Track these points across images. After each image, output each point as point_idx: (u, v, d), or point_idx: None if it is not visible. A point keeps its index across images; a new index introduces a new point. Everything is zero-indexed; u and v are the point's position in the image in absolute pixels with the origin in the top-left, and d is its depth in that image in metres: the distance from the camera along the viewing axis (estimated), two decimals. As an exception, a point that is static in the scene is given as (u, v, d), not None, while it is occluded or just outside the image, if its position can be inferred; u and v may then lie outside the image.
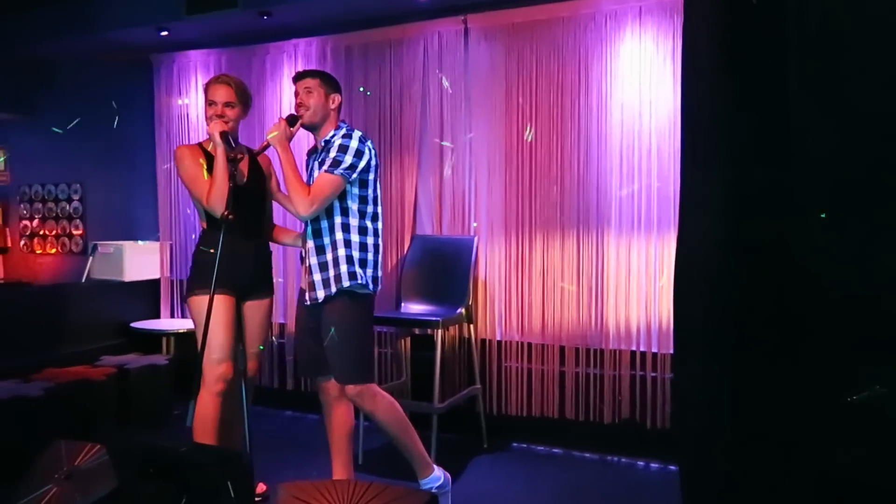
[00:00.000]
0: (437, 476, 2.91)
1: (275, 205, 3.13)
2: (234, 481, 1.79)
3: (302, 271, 2.87)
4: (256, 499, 2.98)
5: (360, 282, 2.72)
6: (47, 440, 2.31)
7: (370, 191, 2.78)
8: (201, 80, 4.70)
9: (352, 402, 2.84)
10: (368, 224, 2.78)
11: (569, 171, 3.77)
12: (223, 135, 2.77)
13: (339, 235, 2.72)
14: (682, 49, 2.26)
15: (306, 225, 2.79)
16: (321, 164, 2.72)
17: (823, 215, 1.64)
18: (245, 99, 2.94)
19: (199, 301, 2.76)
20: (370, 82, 4.22)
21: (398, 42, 4.14)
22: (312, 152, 2.90)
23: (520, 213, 3.88)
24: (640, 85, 3.61)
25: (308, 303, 2.77)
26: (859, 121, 1.64)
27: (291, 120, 2.76)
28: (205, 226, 2.93)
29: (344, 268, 2.70)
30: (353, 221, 2.74)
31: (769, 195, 1.81)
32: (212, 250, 2.65)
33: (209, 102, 2.88)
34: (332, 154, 2.68)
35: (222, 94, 2.86)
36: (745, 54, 1.92)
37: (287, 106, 4.44)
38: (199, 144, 2.95)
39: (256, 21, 4.18)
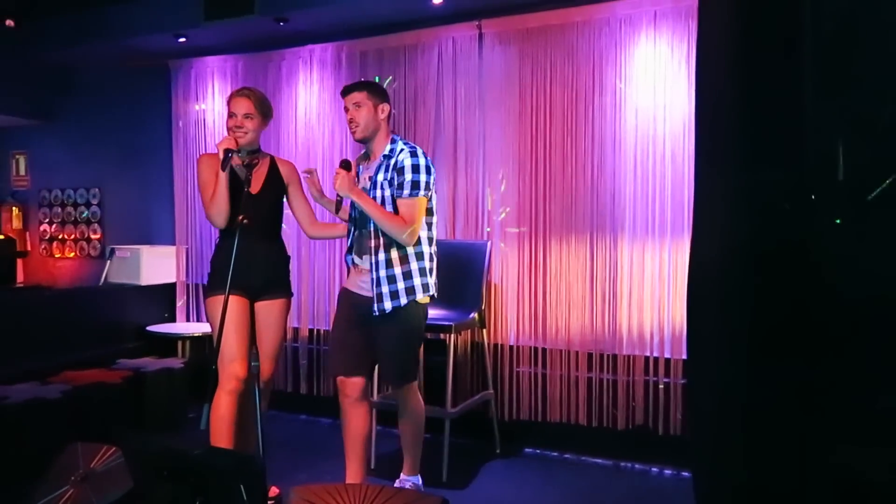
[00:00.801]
0: (418, 477, 3.10)
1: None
2: (247, 484, 1.79)
3: (356, 275, 2.93)
4: (269, 502, 2.99)
5: (431, 292, 2.87)
6: (64, 442, 2.34)
7: (434, 202, 2.90)
8: (218, 86, 4.75)
9: (397, 394, 2.97)
10: (433, 233, 2.92)
11: (583, 176, 3.76)
12: (227, 151, 2.87)
13: (410, 249, 2.81)
14: (696, 53, 2.25)
15: (371, 235, 2.81)
16: (390, 183, 2.77)
17: (838, 220, 1.62)
18: (264, 110, 3.03)
19: (213, 302, 2.89)
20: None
21: (413, 47, 4.16)
22: (363, 159, 2.96)
23: (533, 218, 3.87)
24: (654, 89, 3.60)
25: (376, 314, 2.81)
26: (875, 123, 1.63)
27: (346, 165, 2.80)
28: (219, 232, 3.04)
29: (418, 280, 2.81)
30: (423, 233, 2.84)
31: (784, 199, 1.80)
32: (223, 254, 2.79)
33: (230, 114, 2.98)
34: (409, 177, 2.74)
35: (242, 106, 2.96)
36: (759, 57, 1.91)
37: (302, 111, 4.48)
38: None
39: (273, 27, 4.22)
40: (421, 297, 2.82)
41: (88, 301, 4.65)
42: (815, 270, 1.72)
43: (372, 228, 2.80)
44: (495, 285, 3.97)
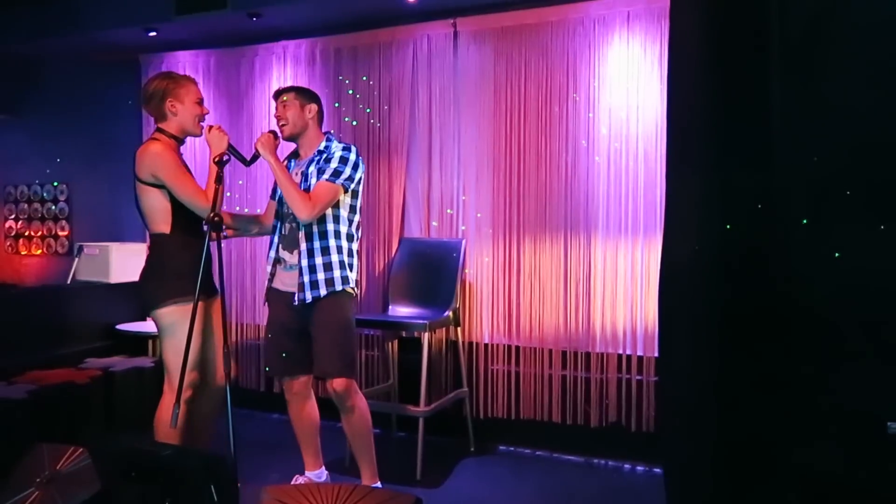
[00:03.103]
0: (380, 485, 2.99)
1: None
2: (217, 484, 1.77)
3: (281, 274, 2.98)
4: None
5: (351, 285, 2.91)
6: (31, 444, 2.28)
7: (358, 202, 2.99)
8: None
9: (337, 396, 2.89)
10: (354, 232, 2.99)
11: (556, 175, 3.77)
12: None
13: (332, 242, 2.89)
14: (668, 54, 2.28)
15: (295, 228, 2.92)
16: (320, 172, 2.86)
17: (805, 221, 1.65)
18: None
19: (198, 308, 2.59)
20: (359, 84, 4.21)
21: (387, 44, 4.14)
22: (293, 156, 3.06)
23: (508, 216, 3.88)
24: (627, 89, 3.63)
25: (296, 303, 2.88)
26: (841, 124, 1.66)
27: (273, 134, 2.92)
28: (168, 230, 2.80)
29: (338, 272, 2.88)
30: (343, 229, 2.93)
31: (753, 199, 1.83)
32: (197, 255, 2.56)
33: (199, 101, 2.89)
34: (334, 165, 2.85)
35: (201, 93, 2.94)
36: (729, 60, 1.93)
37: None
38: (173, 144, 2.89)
39: (246, 22, 4.17)
40: (340, 288, 2.87)
41: (56, 299, 4.55)
42: (782, 270, 1.75)
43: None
44: (470, 283, 3.98)
